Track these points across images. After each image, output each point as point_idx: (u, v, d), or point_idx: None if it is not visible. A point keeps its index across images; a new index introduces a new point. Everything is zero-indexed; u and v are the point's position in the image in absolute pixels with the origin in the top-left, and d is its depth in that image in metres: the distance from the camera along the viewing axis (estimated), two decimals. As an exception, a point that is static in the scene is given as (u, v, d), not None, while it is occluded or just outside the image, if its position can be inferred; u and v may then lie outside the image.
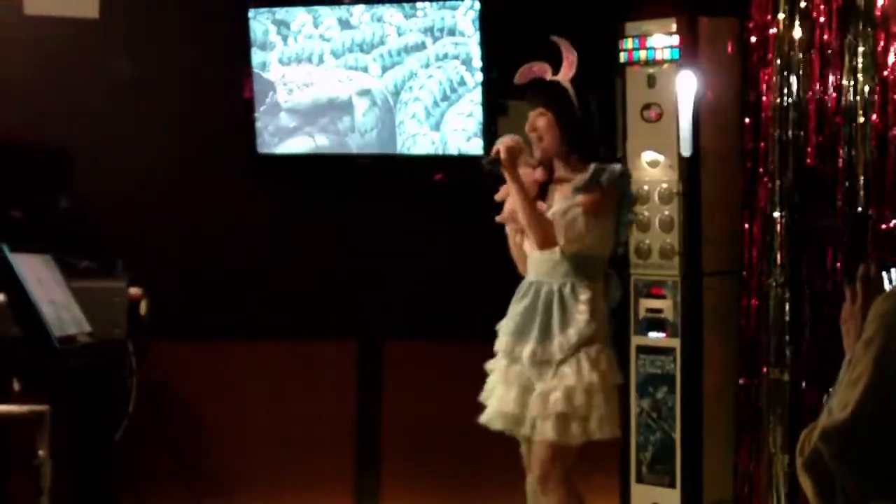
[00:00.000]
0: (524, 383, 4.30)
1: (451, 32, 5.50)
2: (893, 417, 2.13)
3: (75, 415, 4.76)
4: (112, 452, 5.00)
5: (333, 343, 5.79)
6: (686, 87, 5.08)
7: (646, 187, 5.16)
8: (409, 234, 5.75)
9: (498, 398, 4.34)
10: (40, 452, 4.15)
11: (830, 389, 2.47)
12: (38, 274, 4.53)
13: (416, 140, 5.57)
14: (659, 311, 5.13)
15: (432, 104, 5.54)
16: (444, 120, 5.53)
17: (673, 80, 5.09)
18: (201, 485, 5.61)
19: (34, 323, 4.31)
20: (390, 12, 5.56)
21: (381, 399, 5.88)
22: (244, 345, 5.71)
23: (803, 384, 4.87)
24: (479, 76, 5.45)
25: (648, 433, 5.15)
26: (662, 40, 5.12)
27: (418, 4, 5.52)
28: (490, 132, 5.29)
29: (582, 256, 4.28)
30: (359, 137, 5.68)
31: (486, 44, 5.40)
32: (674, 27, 5.10)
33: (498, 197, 4.44)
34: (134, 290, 5.02)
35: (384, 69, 5.60)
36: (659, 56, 5.13)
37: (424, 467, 5.75)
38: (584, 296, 4.27)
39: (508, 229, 4.45)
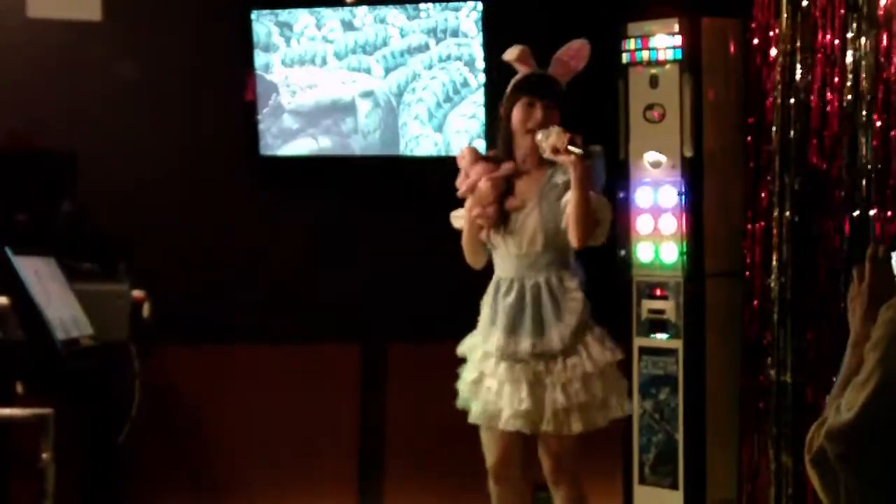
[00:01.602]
0: (531, 378, 4.27)
1: (454, 34, 5.50)
2: None
3: (79, 418, 4.76)
4: (115, 455, 5.01)
5: (337, 346, 5.79)
6: (688, 88, 5.08)
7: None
8: (413, 236, 5.75)
9: (508, 399, 4.28)
10: (44, 455, 4.15)
11: (834, 379, 2.48)
12: (41, 277, 4.54)
13: (419, 141, 5.58)
14: (661, 312, 5.13)
15: (435, 106, 5.55)
16: (446, 121, 5.54)
17: (675, 80, 5.09)
18: (205, 487, 5.61)
19: (37, 326, 4.32)
20: (393, 13, 5.57)
21: (384, 401, 5.88)
22: (247, 347, 5.71)
23: (806, 385, 4.86)
24: (482, 77, 5.46)
25: (651, 434, 5.15)
26: (665, 41, 5.12)
27: (421, 6, 5.53)
28: (493, 133, 5.30)
29: (561, 247, 4.29)
30: (362, 139, 5.68)
31: (488, 45, 5.40)
32: (676, 28, 5.10)
33: (461, 193, 4.39)
34: (137, 293, 5.02)
35: (387, 70, 5.61)
36: (661, 57, 5.13)
37: (428, 470, 5.75)
38: (572, 283, 4.29)
39: (470, 225, 4.38)
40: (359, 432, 5.84)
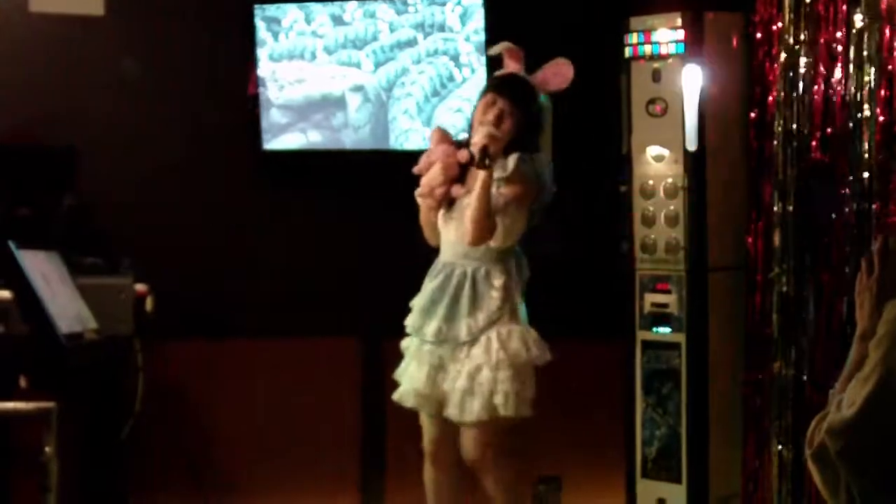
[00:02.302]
0: (435, 362, 4.40)
1: (441, 28, 5.55)
2: None
3: (82, 412, 4.77)
4: (118, 449, 5.01)
5: (337, 341, 5.79)
6: (691, 82, 5.08)
7: (651, 182, 5.15)
8: (412, 231, 5.75)
9: (409, 376, 4.45)
10: (47, 449, 4.15)
11: (836, 384, 2.47)
12: (44, 271, 4.54)
13: (408, 136, 5.60)
14: (664, 305, 5.12)
15: (423, 100, 5.57)
16: (434, 115, 5.56)
17: (678, 74, 5.09)
18: (207, 482, 5.61)
19: (41, 320, 4.32)
20: (383, 8, 5.60)
21: (385, 397, 5.86)
22: (249, 342, 5.72)
23: (809, 379, 4.86)
24: (468, 72, 5.50)
25: (654, 428, 5.15)
26: (667, 35, 5.12)
27: (409, 0, 5.54)
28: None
29: (500, 246, 4.38)
30: (353, 133, 5.71)
31: (490, 40, 5.40)
32: (679, 22, 5.10)
33: (416, 169, 4.49)
34: (140, 287, 5.03)
35: (377, 65, 5.64)
36: (664, 51, 5.13)
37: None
38: (497, 281, 4.36)
39: (423, 203, 4.51)
40: (360, 427, 5.85)
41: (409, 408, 4.50)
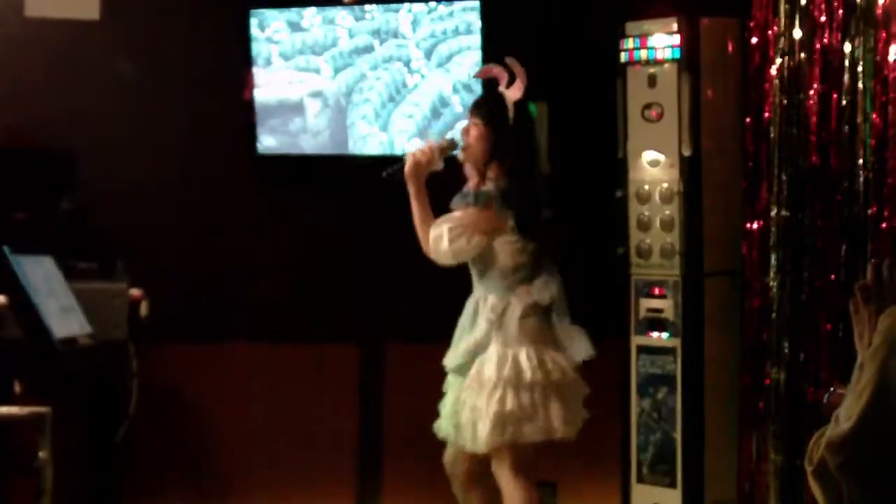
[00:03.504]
0: (456, 392, 4.49)
1: (395, 35, 5.59)
2: None
3: (76, 416, 4.76)
4: (113, 454, 5.01)
5: (335, 345, 5.79)
6: (687, 87, 5.08)
7: (646, 187, 5.16)
8: (412, 236, 5.75)
9: (444, 406, 4.57)
10: (41, 454, 4.15)
11: (832, 388, 2.46)
12: (39, 275, 4.54)
13: (366, 140, 5.64)
14: (659, 310, 5.12)
15: (380, 105, 5.60)
16: (390, 120, 5.58)
17: (674, 79, 5.09)
18: (203, 486, 5.61)
19: (35, 324, 4.32)
20: (342, 14, 5.63)
21: (382, 401, 5.88)
22: (246, 346, 5.72)
23: (805, 384, 4.86)
24: (418, 78, 5.56)
25: (649, 433, 5.14)
26: (663, 40, 5.12)
27: (367, 7, 5.58)
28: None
29: (489, 270, 4.45)
30: (311, 138, 5.74)
31: (486, 46, 5.41)
32: (675, 27, 5.10)
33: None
34: (135, 292, 5.03)
35: (336, 70, 5.65)
36: (660, 56, 5.13)
37: (426, 469, 5.73)
38: (487, 305, 4.42)
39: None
40: (357, 431, 5.84)
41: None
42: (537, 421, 4.33)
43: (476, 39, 5.44)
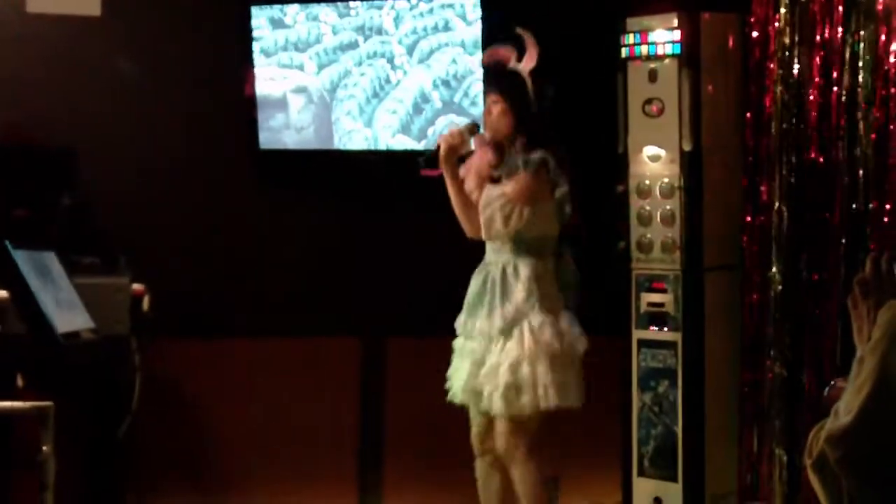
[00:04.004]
0: (476, 358, 4.53)
1: (379, 31, 5.61)
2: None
3: (79, 411, 4.76)
4: (115, 448, 5.01)
5: (336, 341, 5.80)
6: (687, 82, 5.09)
7: (647, 182, 5.16)
8: (413, 230, 5.76)
9: (457, 374, 4.60)
10: (44, 448, 4.15)
11: (832, 383, 2.47)
12: (41, 270, 4.54)
13: (351, 136, 5.67)
14: (660, 305, 5.13)
15: (365, 101, 5.62)
16: (375, 116, 5.61)
17: (674, 74, 5.10)
18: (204, 481, 5.62)
19: (38, 319, 4.32)
20: (325, 11, 5.64)
21: (384, 396, 5.88)
22: (247, 341, 5.72)
23: (805, 379, 4.86)
24: (401, 74, 5.59)
25: (650, 427, 5.15)
26: (664, 35, 5.12)
27: (351, 4, 5.60)
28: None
29: (525, 238, 4.52)
30: (294, 134, 5.76)
31: (487, 39, 5.41)
32: (675, 22, 5.10)
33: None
34: (137, 287, 5.03)
35: (321, 67, 5.67)
36: (660, 51, 5.13)
37: (428, 464, 5.75)
38: (523, 273, 4.50)
39: (452, 194, 4.65)
40: (359, 426, 5.85)
41: (459, 405, 4.64)
42: (574, 389, 4.49)
43: (455, 36, 5.48)
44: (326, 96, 5.70)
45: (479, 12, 5.47)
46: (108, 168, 5.62)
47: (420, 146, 5.55)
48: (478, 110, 5.43)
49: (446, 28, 5.50)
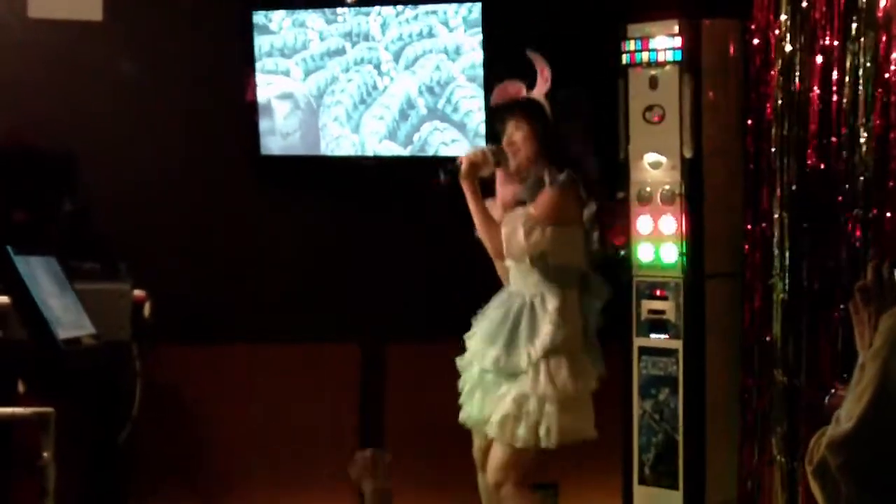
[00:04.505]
0: (487, 388, 4.46)
1: (366, 37, 5.63)
2: None
3: (80, 417, 4.76)
4: (116, 454, 5.01)
5: (336, 345, 5.80)
6: (688, 89, 5.09)
7: (648, 189, 5.16)
8: (412, 237, 5.76)
9: (470, 400, 4.52)
10: (45, 454, 4.15)
11: (833, 390, 2.47)
12: (42, 276, 4.54)
13: (339, 142, 5.68)
14: (661, 312, 5.13)
15: (352, 107, 5.63)
16: (362, 122, 5.62)
17: (675, 81, 5.10)
18: (204, 486, 5.61)
19: (39, 325, 4.33)
20: (312, 17, 5.64)
21: (383, 401, 5.88)
22: (247, 346, 5.72)
23: (806, 386, 4.86)
24: (388, 80, 5.61)
25: (651, 434, 5.15)
26: (665, 42, 5.13)
27: (338, 10, 5.61)
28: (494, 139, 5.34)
29: (552, 266, 4.41)
30: (280, 139, 5.76)
31: (487, 46, 5.42)
32: (676, 29, 5.11)
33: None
34: (138, 293, 5.03)
35: (307, 73, 5.66)
36: (661, 58, 5.14)
37: (427, 469, 5.75)
38: (551, 305, 4.39)
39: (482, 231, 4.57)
40: (358, 431, 5.85)
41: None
42: (583, 423, 4.47)
43: (438, 43, 5.50)
44: (313, 102, 5.70)
45: (460, 20, 5.47)
46: (109, 172, 5.62)
47: (406, 152, 5.57)
48: (459, 117, 5.45)
49: (430, 35, 5.51)
